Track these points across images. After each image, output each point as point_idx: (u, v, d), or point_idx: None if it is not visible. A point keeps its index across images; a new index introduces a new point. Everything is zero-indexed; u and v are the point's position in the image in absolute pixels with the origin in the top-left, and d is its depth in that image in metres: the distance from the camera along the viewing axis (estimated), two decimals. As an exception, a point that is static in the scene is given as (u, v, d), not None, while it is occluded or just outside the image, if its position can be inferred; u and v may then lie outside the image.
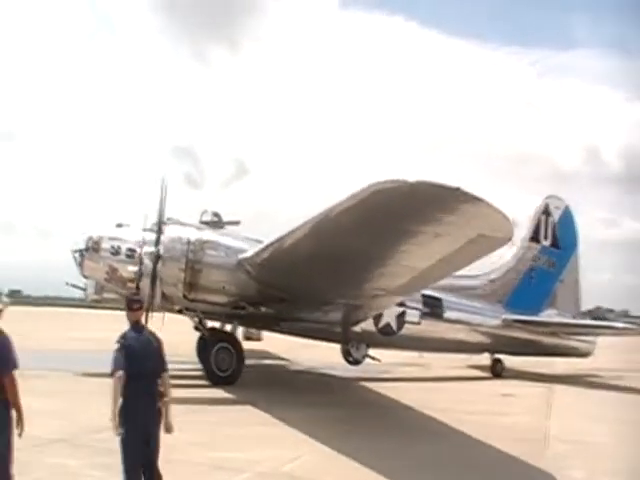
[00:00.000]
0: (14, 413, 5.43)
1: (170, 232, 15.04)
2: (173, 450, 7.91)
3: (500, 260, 21.73)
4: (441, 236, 10.28)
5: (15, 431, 5.42)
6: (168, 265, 14.55)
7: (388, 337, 19.01)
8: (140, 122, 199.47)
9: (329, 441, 9.29)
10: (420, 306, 19.39)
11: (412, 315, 19.23)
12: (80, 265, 16.87)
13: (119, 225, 17.66)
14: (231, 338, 16.40)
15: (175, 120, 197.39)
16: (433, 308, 19.57)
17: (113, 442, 6.13)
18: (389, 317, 18.98)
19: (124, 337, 5.97)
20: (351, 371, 19.49)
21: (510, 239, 10.06)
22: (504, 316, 20.50)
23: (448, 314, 19.69)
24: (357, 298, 14.77)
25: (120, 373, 5.67)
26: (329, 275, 12.98)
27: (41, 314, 60.93)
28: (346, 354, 19.29)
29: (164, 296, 14.80)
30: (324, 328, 17.87)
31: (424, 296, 19.62)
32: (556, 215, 22.96)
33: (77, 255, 16.95)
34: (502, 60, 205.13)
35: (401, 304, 19.17)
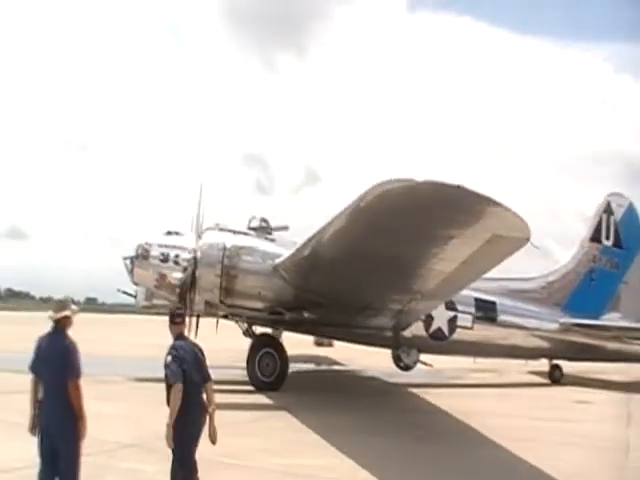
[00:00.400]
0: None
1: (207, 238, 15.11)
2: (243, 456, 8.28)
3: (559, 262, 20.93)
4: (456, 237, 10.06)
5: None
6: (204, 271, 14.60)
7: (439, 342, 18.56)
8: (211, 130, 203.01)
9: (394, 449, 9.13)
10: (473, 310, 18.86)
11: (464, 319, 18.71)
12: (130, 272, 17.19)
13: (169, 232, 17.93)
14: (275, 343, 16.29)
15: (246, 127, 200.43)
16: (486, 312, 18.98)
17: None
18: (440, 322, 18.53)
19: (175, 348, 6.01)
20: (419, 377, 19.09)
21: (528, 239, 9.61)
22: (562, 320, 19.64)
23: (502, 318, 19.04)
24: (392, 302, 14.43)
25: (180, 386, 5.77)
26: (356, 278, 12.76)
27: (113, 321, 63.28)
28: (397, 359, 18.96)
29: (204, 302, 14.90)
30: (372, 333, 17.60)
31: (477, 300, 19.09)
32: (619, 213, 21.86)
33: (128, 262, 17.30)
34: (575, 57, 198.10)
35: (453, 308, 18.73)
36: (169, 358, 5.94)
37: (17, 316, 65.54)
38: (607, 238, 21.57)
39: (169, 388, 5.86)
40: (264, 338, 16.95)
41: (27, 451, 5.68)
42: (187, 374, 5.87)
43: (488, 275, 21.43)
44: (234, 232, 16.63)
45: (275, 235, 18.29)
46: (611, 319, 20.60)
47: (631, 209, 22.04)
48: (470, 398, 15.72)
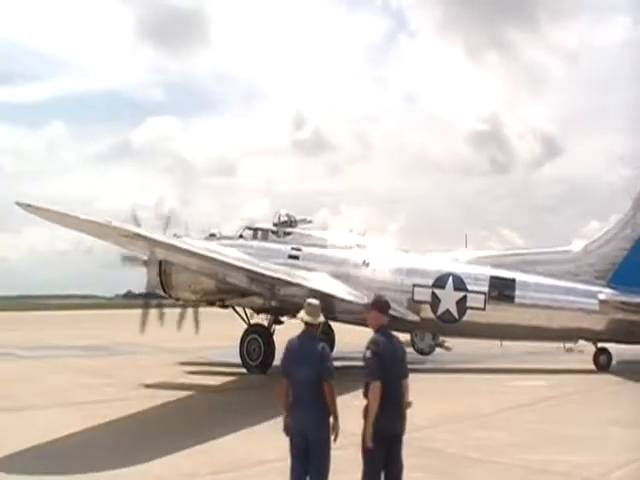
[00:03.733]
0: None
1: None
2: (492, 452, 8.05)
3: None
4: None
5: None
6: (148, 269, 16.58)
7: (450, 325, 17.63)
8: (434, 113, 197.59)
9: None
10: (485, 289, 17.39)
11: (474, 300, 17.38)
12: None
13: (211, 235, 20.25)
14: (262, 330, 17.33)
15: (473, 106, 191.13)
16: (502, 290, 17.29)
17: (432, 442, 7.52)
18: (448, 303, 17.60)
19: (376, 343, 5.73)
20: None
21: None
22: (602, 296, 16.72)
23: (521, 296, 17.10)
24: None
25: (377, 383, 5.56)
26: None
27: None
28: (412, 343, 18.46)
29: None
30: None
31: (493, 277, 17.56)
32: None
33: None
34: None
35: (462, 288, 17.56)
36: (368, 353, 5.68)
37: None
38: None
39: (367, 384, 5.62)
40: (252, 325, 18.00)
41: (281, 441, 5.86)
42: (386, 371, 5.61)
43: (516, 250, 19.55)
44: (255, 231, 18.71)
45: (298, 229, 19.49)
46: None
47: None
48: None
